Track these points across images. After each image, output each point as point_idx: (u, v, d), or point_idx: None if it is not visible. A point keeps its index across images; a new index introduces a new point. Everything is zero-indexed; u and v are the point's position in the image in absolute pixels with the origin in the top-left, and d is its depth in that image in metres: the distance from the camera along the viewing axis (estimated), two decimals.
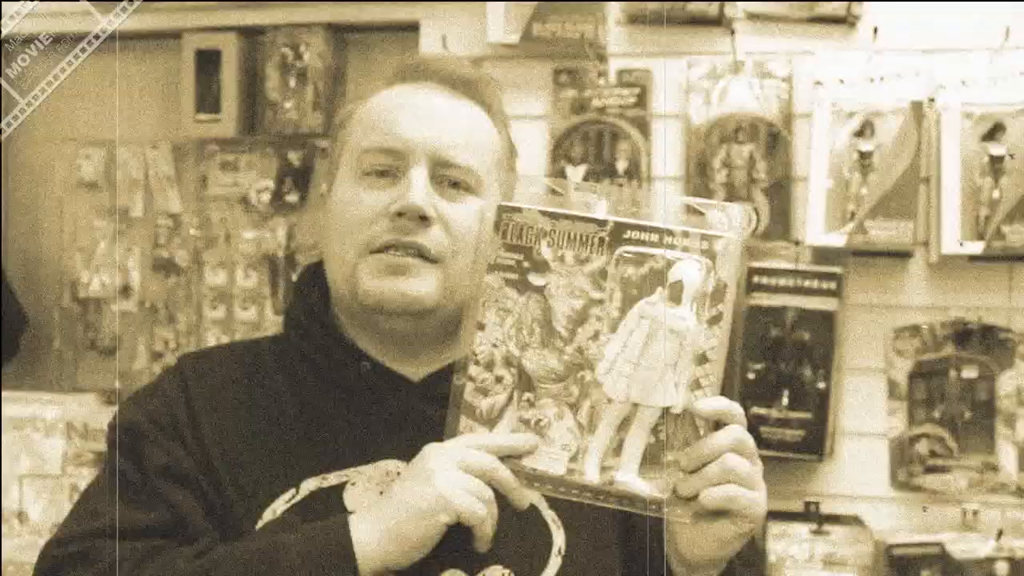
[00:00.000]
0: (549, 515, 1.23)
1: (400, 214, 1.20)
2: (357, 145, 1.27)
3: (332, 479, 1.21)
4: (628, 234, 1.09)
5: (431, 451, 1.12)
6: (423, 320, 1.24)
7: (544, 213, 1.11)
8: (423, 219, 1.20)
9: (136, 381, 2.81)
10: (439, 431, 1.15)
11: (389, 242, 1.21)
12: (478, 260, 1.15)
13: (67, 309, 2.96)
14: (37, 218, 2.99)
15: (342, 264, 1.24)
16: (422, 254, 1.21)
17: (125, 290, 2.92)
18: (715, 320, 1.08)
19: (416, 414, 1.24)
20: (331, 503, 1.20)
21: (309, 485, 1.21)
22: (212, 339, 2.84)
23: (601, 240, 1.10)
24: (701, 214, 1.11)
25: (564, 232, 1.10)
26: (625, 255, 1.09)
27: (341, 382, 1.26)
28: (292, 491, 1.20)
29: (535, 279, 1.11)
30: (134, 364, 2.91)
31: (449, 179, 1.23)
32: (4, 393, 2.73)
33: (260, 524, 1.19)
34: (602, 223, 1.10)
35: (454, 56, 1.30)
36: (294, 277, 2.71)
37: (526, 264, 1.11)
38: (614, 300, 1.09)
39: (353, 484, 1.21)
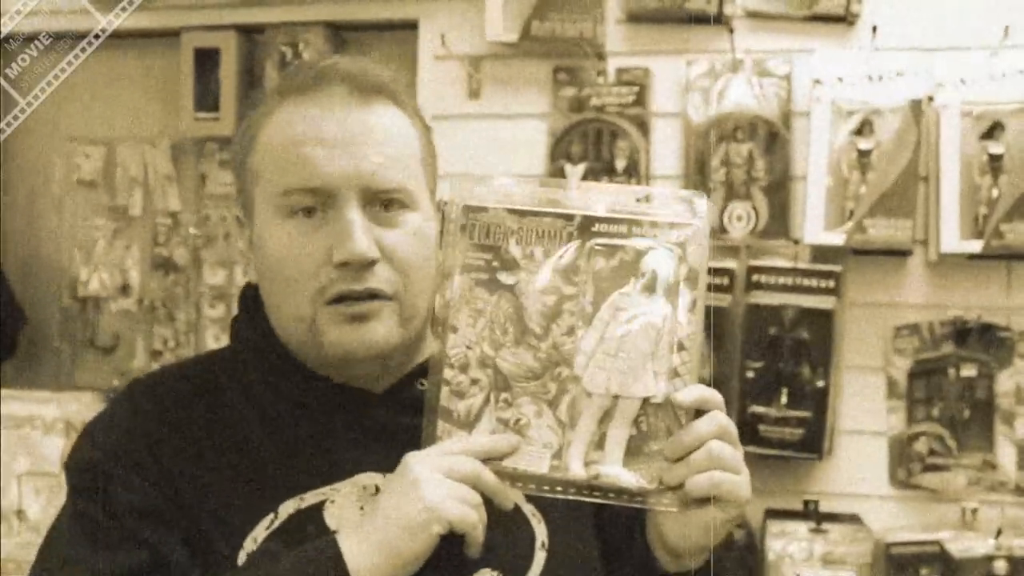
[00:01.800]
0: (528, 509, 1.21)
1: (345, 263, 1.14)
2: (274, 183, 1.18)
3: (310, 499, 1.16)
4: (596, 227, 1.09)
5: (413, 461, 1.10)
6: (387, 361, 1.21)
7: (510, 211, 1.10)
8: (369, 263, 1.15)
9: None
10: (409, 439, 1.13)
11: (342, 292, 1.16)
12: (438, 265, 1.13)
13: (66, 307, 2.96)
14: (36, 217, 3.00)
15: (295, 316, 1.18)
16: (377, 296, 1.17)
17: (124, 288, 2.92)
18: (690, 307, 1.08)
19: (384, 425, 1.20)
20: (312, 524, 1.15)
21: (287, 508, 1.16)
22: (211, 337, 2.85)
23: (570, 234, 1.09)
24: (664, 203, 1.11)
25: (532, 229, 1.10)
26: (596, 248, 1.09)
27: (301, 400, 1.21)
28: (271, 516, 1.16)
29: (505, 278, 1.10)
30: (133, 362, 2.92)
31: (381, 200, 1.17)
32: (3, 391, 2.74)
33: (242, 554, 1.15)
34: (569, 217, 1.09)
35: (357, 57, 1.23)
36: None
37: (495, 263, 1.10)
38: (587, 294, 1.09)
39: (332, 502, 1.17)
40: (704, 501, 1.08)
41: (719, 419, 1.09)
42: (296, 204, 1.17)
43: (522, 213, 1.10)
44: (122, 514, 1.15)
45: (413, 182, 1.20)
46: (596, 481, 1.08)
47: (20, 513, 2.68)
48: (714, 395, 1.10)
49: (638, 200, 1.11)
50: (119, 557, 1.13)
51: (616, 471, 1.08)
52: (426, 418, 1.10)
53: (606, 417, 1.08)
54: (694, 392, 1.08)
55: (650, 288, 1.08)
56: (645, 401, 1.08)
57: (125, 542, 1.14)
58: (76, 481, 1.20)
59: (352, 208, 1.15)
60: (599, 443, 1.08)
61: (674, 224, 1.09)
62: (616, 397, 1.08)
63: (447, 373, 1.10)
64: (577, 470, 1.08)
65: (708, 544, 1.13)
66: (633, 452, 1.08)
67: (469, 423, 1.10)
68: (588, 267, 1.09)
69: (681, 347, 1.08)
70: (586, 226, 1.09)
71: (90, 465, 1.18)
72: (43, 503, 2.67)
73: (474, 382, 1.10)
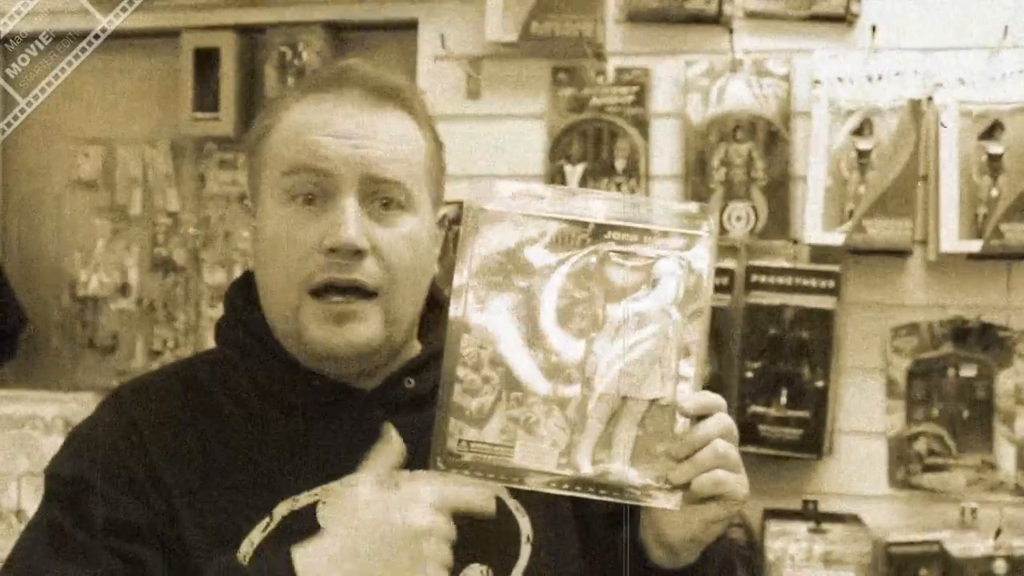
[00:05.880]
0: (512, 504, 1.23)
1: (333, 250, 1.16)
2: (279, 164, 1.21)
3: (303, 500, 1.17)
4: (609, 234, 1.15)
5: (426, 491, 1.11)
6: (370, 359, 1.22)
7: (526, 216, 1.16)
8: (357, 252, 1.17)
9: None
10: (403, 437, 1.17)
11: (327, 281, 1.17)
12: (449, 264, 1.17)
13: (66, 308, 2.96)
14: (36, 217, 3.00)
15: (282, 303, 1.20)
16: (361, 290, 1.18)
17: (124, 289, 2.92)
18: (696, 315, 1.14)
19: (376, 423, 1.21)
20: (306, 525, 1.15)
21: (281, 510, 1.17)
22: (211, 337, 2.83)
23: (583, 241, 1.15)
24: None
25: (546, 234, 1.15)
26: (608, 254, 1.14)
27: (292, 399, 1.22)
28: (266, 519, 1.16)
29: (519, 281, 1.15)
30: (132, 362, 2.92)
31: (380, 198, 1.20)
32: (3, 391, 2.74)
33: (240, 556, 1.15)
34: (583, 224, 1.15)
35: (374, 64, 1.25)
36: None
37: (509, 266, 1.15)
38: (599, 299, 1.14)
39: (324, 503, 1.18)
40: (707, 499, 1.12)
41: (724, 420, 1.13)
42: (297, 187, 1.19)
43: (537, 218, 1.16)
44: (95, 528, 1.15)
45: (413, 183, 1.22)
46: (603, 479, 1.12)
47: (20, 513, 2.68)
48: (718, 400, 1.14)
49: (638, 207, 1.16)
50: (87, 571, 1.12)
51: (623, 470, 1.12)
52: (438, 414, 1.13)
53: (614, 418, 1.13)
54: (698, 399, 1.13)
55: (660, 295, 1.14)
56: (652, 403, 1.12)
57: (96, 556, 1.13)
58: (54, 490, 1.19)
59: (349, 198, 1.18)
60: (606, 443, 1.12)
61: (684, 234, 1.15)
62: (625, 398, 1.13)
63: (460, 371, 1.13)
64: (586, 468, 1.12)
65: (706, 540, 1.16)
66: (639, 452, 1.12)
67: (480, 420, 1.13)
68: (600, 273, 1.14)
69: (688, 352, 1.13)
70: (599, 233, 1.15)
71: (71, 477, 1.18)
72: None
73: (486, 380, 1.13)
